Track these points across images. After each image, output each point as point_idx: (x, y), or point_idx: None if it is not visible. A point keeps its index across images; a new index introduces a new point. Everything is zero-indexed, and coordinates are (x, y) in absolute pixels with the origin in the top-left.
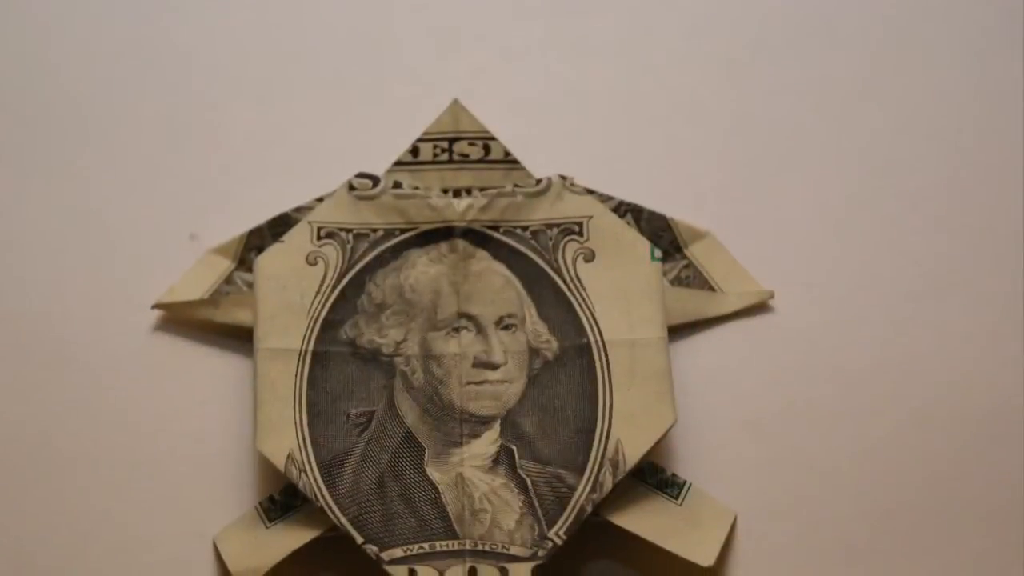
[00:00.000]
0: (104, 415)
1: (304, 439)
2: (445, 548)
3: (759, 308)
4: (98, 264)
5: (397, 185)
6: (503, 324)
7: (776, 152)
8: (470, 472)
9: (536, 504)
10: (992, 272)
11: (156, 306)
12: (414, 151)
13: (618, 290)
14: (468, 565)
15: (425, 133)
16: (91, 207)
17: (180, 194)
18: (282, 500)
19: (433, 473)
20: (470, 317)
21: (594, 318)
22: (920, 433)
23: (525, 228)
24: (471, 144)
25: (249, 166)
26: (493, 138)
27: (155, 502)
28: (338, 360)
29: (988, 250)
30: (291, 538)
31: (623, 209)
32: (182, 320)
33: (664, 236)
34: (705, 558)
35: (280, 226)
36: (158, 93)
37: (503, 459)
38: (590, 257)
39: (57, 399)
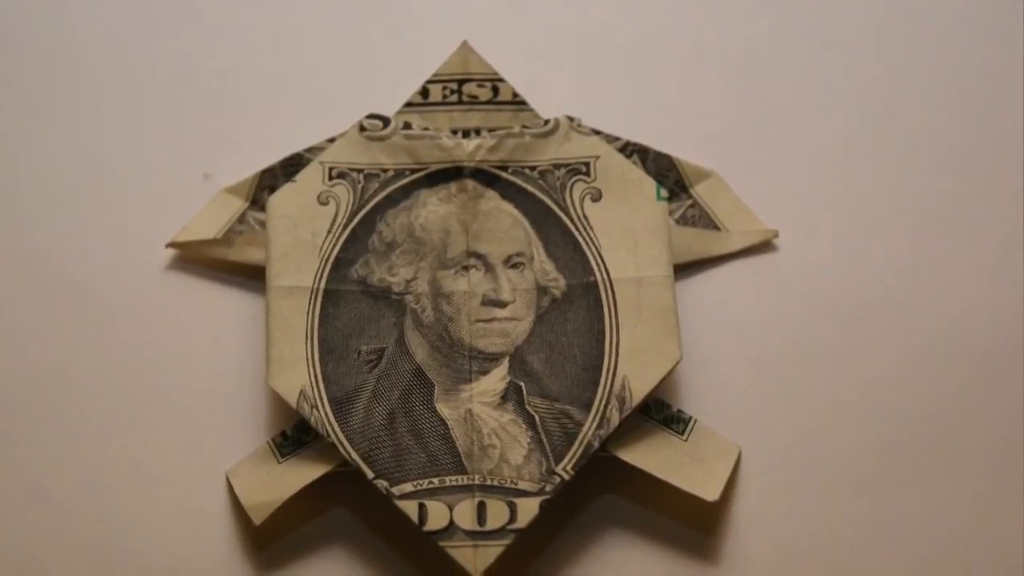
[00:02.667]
0: (118, 352)
1: (316, 375)
2: (454, 483)
3: (763, 247)
4: (113, 203)
5: (407, 126)
6: (511, 263)
7: (781, 93)
8: (479, 408)
9: (544, 440)
10: (993, 211)
11: (170, 245)
12: (424, 92)
13: (625, 229)
14: (477, 500)
15: (435, 75)
16: (106, 147)
17: (194, 134)
18: (294, 436)
19: (443, 409)
20: (479, 256)
21: (601, 256)
22: (922, 370)
23: (533, 168)
24: (480, 85)
25: (262, 107)
26: (501, 79)
27: (168, 438)
28: (349, 298)
29: (989, 189)
30: (303, 473)
31: (629, 149)
32: (195, 258)
33: (670, 176)
34: (710, 493)
35: (292, 166)
36: (172, 34)
37: (511, 395)
38: (597, 197)
39: (72, 337)
